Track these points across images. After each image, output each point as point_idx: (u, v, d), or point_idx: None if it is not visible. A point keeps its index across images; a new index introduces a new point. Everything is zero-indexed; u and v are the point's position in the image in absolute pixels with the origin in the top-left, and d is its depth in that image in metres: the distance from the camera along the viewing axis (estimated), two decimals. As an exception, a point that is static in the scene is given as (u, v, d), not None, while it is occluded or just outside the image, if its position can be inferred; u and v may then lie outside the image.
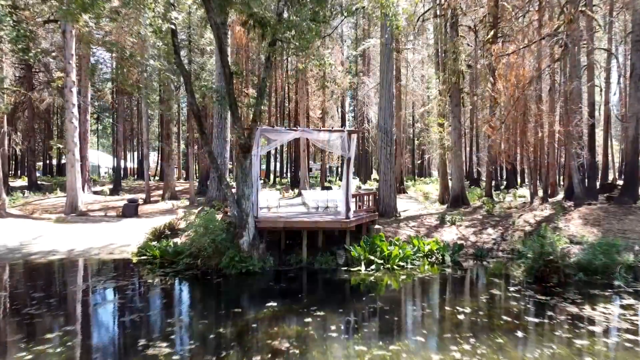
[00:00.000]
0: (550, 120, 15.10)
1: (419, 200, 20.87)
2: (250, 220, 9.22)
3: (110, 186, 27.87)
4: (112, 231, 13.34)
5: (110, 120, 41.98)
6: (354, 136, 9.94)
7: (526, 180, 40.55)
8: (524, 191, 24.08)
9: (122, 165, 41.80)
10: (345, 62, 30.81)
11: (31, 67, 27.01)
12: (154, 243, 11.10)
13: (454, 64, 13.70)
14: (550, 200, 15.43)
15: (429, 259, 10.41)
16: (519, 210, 13.94)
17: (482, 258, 10.66)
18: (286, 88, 37.38)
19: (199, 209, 13.60)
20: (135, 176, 42.67)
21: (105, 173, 46.55)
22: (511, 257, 10.66)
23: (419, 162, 45.34)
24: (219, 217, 11.72)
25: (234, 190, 9.82)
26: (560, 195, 18.94)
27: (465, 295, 7.63)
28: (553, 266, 8.49)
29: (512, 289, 7.88)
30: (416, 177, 41.86)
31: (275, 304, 6.79)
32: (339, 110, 33.11)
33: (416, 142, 42.87)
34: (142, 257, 10.61)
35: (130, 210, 15.43)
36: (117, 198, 23.07)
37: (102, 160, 47.32)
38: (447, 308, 6.63)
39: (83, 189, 23.79)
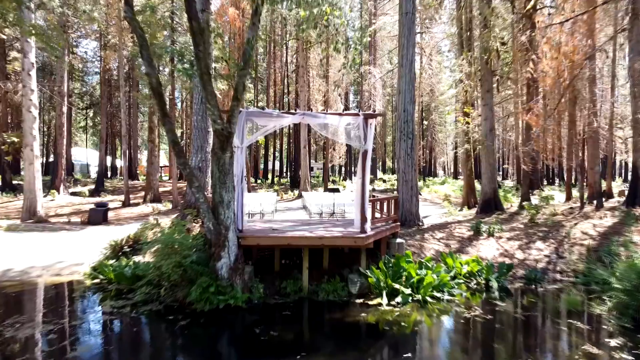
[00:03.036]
0: (596, 109, 12.58)
1: (438, 203, 18.37)
2: (232, 235, 6.73)
3: (93, 186, 25.44)
4: (70, 243, 10.86)
5: (99, 116, 39.49)
6: (372, 122, 7.45)
7: (544, 180, 37.94)
8: (552, 193, 21.60)
9: (109, 164, 39.50)
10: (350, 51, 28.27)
11: (5, 55, 24.62)
12: (112, 262, 8.66)
13: (487, 38, 11.18)
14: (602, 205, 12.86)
15: (467, 284, 7.95)
16: (569, 218, 11.40)
17: (536, 282, 8.17)
18: (286, 81, 34.98)
19: (173, 217, 11.13)
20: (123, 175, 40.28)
21: (96, 172, 44.05)
22: (574, 281, 8.19)
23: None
24: (197, 229, 9.27)
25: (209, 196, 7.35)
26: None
27: (547, 355, 5.12)
28: (658, 304, 6.02)
29: (611, 342, 5.36)
30: (425, 177, 39.30)
31: (259, 376, 4.33)
32: (342, 102, 30.63)
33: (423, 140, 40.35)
34: (96, 281, 8.19)
35: (97, 216, 12.88)
36: (96, 200, 20.67)
37: (91, 158, 44.95)
38: (532, 387, 4.14)
39: (58, 190, 21.40)
